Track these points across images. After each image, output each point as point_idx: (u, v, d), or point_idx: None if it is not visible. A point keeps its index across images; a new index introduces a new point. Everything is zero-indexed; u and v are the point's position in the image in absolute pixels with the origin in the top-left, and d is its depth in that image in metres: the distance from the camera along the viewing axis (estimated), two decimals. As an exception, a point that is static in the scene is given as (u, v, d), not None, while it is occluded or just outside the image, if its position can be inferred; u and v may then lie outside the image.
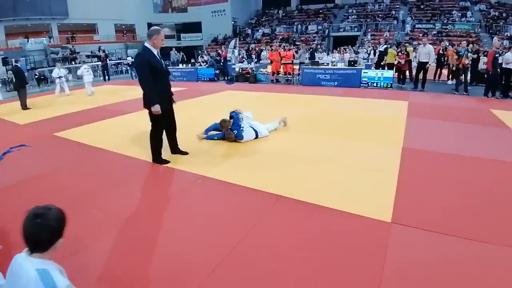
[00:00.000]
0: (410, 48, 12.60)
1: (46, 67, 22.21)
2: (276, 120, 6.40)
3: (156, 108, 4.29)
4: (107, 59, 20.50)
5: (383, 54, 13.22)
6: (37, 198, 3.86)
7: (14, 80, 10.87)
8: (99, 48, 26.90)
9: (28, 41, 25.08)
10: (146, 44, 4.34)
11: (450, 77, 12.59)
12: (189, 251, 2.76)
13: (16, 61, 11.10)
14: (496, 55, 9.72)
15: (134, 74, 20.02)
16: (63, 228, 1.70)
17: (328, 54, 19.20)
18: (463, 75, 10.75)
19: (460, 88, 10.72)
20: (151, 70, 4.25)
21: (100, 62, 20.56)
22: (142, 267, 2.58)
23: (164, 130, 4.79)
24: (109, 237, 3.01)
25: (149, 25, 34.26)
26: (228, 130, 5.55)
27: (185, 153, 5.08)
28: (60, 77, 12.96)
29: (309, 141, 5.67)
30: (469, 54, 10.57)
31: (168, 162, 4.79)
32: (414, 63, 12.95)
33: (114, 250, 2.82)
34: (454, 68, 11.28)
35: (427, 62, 11.12)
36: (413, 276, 2.39)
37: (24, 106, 10.39)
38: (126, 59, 22.75)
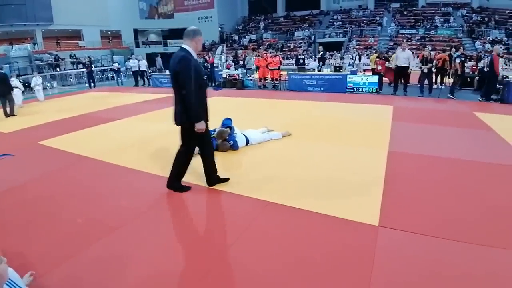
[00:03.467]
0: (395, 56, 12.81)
1: (30, 73, 21.89)
2: (279, 132, 6.24)
3: (202, 125, 3.59)
4: (92, 66, 20.31)
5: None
6: (19, 208, 3.81)
7: None
8: (70, 55, 26.59)
9: (12, 48, 24.69)
10: (187, 47, 3.58)
11: (439, 81, 12.82)
12: (179, 257, 2.74)
13: (1, 68, 11.16)
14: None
15: (120, 80, 19.86)
16: None
17: (314, 60, 19.35)
18: (455, 79, 11.10)
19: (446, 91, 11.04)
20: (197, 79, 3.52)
21: (85, 69, 20.34)
22: (132, 276, 2.55)
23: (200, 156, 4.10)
24: (95, 245, 2.96)
25: (135, 31, 34.24)
26: (224, 141, 5.43)
27: (227, 180, 4.25)
28: (16, 87, 12.52)
29: (296, 147, 5.70)
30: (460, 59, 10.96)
31: (189, 188, 4.07)
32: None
33: (100, 259, 2.78)
34: (451, 72, 11.49)
35: (407, 67, 11.33)
36: (402, 279, 2.41)
37: (11, 112, 10.45)
38: (112, 66, 22.56)
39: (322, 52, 16.54)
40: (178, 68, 3.46)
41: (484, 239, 2.85)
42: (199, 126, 3.57)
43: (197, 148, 5.29)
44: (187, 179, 4.33)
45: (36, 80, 13.79)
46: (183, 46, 3.60)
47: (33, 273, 2.33)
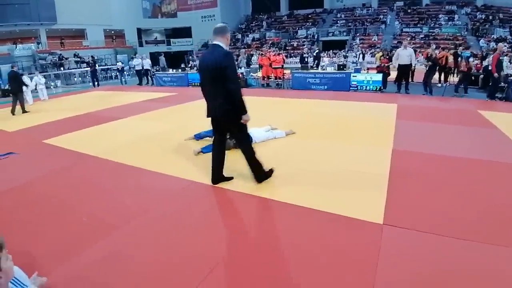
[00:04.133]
0: None
1: (34, 73, 22.06)
2: (283, 131, 6.20)
3: (248, 117, 3.75)
4: (96, 65, 20.38)
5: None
6: (24, 206, 3.82)
7: (10, 85, 11.29)
8: (75, 55, 26.71)
9: (16, 47, 24.85)
10: (220, 43, 3.67)
11: (443, 79, 12.77)
12: (183, 255, 2.74)
13: (12, 67, 11.56)
14: (500, 58, 9.90)
15: (124, 79, 19.92)
16: None
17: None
18: (461, 77, 11.14)
19: (459, 89, 11.07)
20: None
21: (89, 68, 20.43)
22: (133, 276, 2.55)
23: (217, 150, 4.11)
24: (100, 244, 2.97)
25: (139, 30, 34.29)
26: (227, 140, 5.40)
27: (231, 178, 4.26)
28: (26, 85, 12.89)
29: (300, 145, 5.68)
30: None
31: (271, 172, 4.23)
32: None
33: (104, 257, 2.78)
34: (458, 70, 11.48)
35: (410, 65, 11.27)
36: (406, 278, 2.40)
37: (22, 109, 10.73)
38: (116, 65, 22.62)
39: (317, 51, 16.64)
40: (225, 63, 3.53)
41: (489, 238, 2.83)
42: (246, 117, 3.73)
43: (198, 148, 5.34)
44: (190, 176, 4.35)
45: (39, 80, 13.89)
46: (216, 42, 3.67)
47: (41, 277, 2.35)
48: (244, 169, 4.56)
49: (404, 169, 4.47)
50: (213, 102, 3.79)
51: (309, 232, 3.05)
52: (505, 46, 16.30)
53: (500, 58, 9.95)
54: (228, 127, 3.92)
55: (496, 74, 9.77)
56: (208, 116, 3.92)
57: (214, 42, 3.68)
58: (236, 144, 3.97)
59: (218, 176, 4.14)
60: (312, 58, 17.76)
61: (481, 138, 5.96)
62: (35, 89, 13.73)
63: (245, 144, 4.00)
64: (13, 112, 10.51)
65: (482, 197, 3.64)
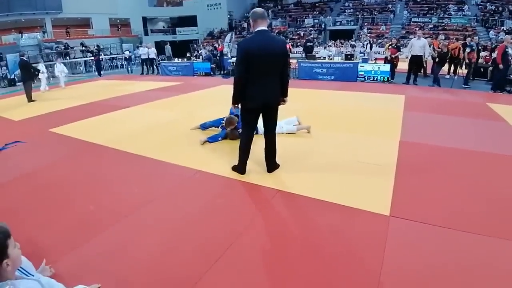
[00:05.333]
0: None
1: (40, 62, 22.10)
2: (293, 124, 5.90)
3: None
4: (101, 54, 20.35)
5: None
6: (31, 195, 3.85)
7: (21, 74, 11.48)
8: (82, 44, 26.78)
9: (22, 37, 24.85)
10: (267, 29, 3.65)
11: (452, 71, 12.58)
12: (190, 244, 2.75)
13: (22, 55, 11.63)
14: (506, 50, 9.71)
15: (130, 69, 19.90)
16: (3, 247, 1.61)
17: (325, 48, 19.11)
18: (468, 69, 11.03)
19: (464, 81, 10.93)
20: None
21: (93, 57, 20.43)
22: (140, 265, 2.56)
23: (251, 140, 4.05)
24: (106, 232, 2.98)
25: (144, 19, 34.09)
26: (233, 129, 5.32)
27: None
28: (40, 71, 13.22)
29: (306, 135, 5.65)
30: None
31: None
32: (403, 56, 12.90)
33: (110, 246, 2.79)
34: (466, 62, 11.30)
35: (422, 56, 11.11)
36: (412, 269, 2.39)
37: (30, 99, 10.79)
38: (124, 53, 22.55)
39: (305, 41, 16.34)
40: (285, 50, 3.65)
41: (496, 231, 2.80)
42: (287, 99, 3.95)
43: (204, 138, 5.34)
44: (197, 165, 4.35)
45: (62, 68, 14.23)
46: (264, 28, 3.57)
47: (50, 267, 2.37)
48: (251, 159, 4.54)
49: (411, 161, 4.43)
50: (269, 89, 3.69)
51: (314, 223, 3.05)
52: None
53: (506, 50, 9.76)
54: (271, 113, 3.88)
55: (501, 65, 9.62)
56: (255, 104, 3.71)
57: (262, 28, 3.54)
58: (270, 129, 3.97)
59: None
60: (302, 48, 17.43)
61: (490, 131, 5.88)
62: (49, 77, 13.92)
63: (275, 129, 4.02)
64: (29, 99, 10.74)
65: (490, 190, 3.60)
